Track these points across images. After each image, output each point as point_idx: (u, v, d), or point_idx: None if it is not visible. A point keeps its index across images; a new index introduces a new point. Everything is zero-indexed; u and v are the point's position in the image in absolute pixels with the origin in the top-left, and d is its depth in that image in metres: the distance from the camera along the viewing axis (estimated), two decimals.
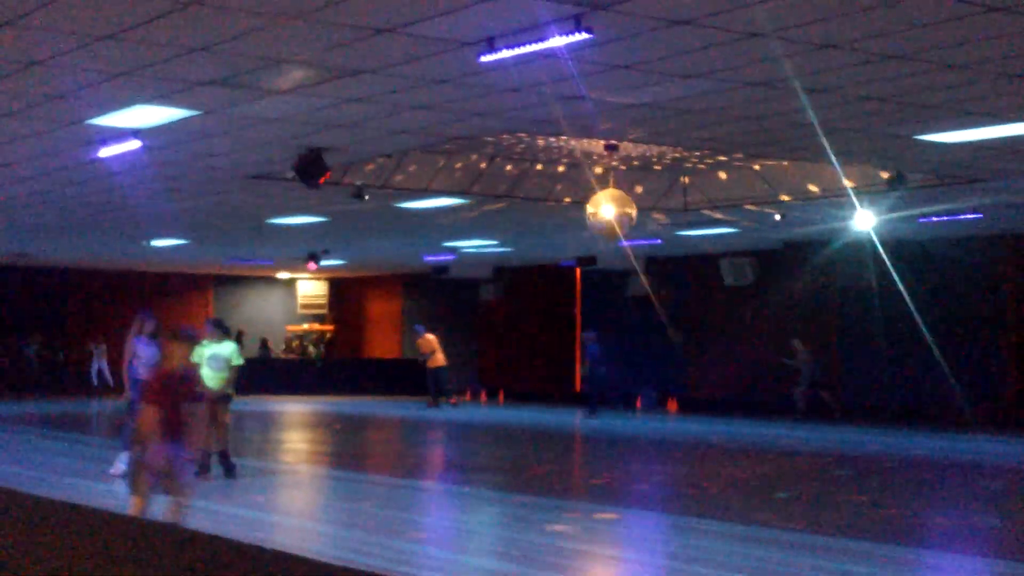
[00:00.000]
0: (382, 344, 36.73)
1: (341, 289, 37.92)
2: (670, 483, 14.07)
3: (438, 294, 33.76)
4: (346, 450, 18.36)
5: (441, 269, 30.16)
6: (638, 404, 27.48)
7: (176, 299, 35.52)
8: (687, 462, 16.58)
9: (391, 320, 36.44)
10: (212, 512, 10.58)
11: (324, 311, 38.14)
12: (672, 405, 26.78)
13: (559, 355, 30.82)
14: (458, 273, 30.71)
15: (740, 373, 26.24)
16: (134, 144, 12.22)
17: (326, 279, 37.51)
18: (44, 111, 10.98)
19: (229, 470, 12.99)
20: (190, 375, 8.29)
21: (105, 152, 12.73)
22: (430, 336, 26.89)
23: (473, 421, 23.91)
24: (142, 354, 12.77)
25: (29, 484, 12.25)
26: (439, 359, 26.54)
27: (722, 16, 7.80)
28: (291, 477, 14.36)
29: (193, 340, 8.22)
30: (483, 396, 31.02)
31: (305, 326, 37.25)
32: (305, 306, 37.97)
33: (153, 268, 33.36)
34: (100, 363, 31.31)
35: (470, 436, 20.95)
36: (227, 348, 13.04)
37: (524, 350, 31.44)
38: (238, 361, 13.08)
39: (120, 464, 12.69)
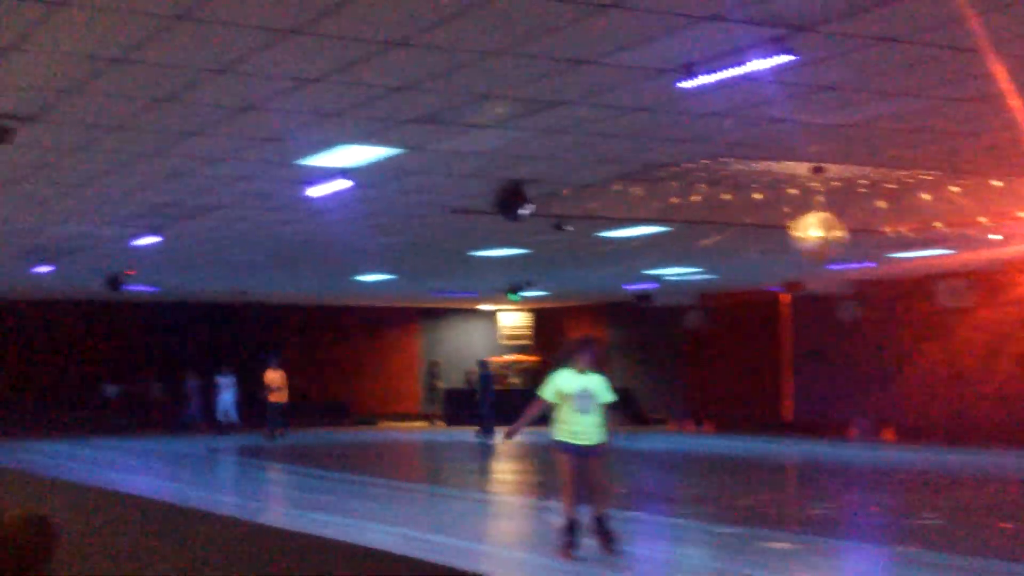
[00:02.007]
0: None
1: (543, 319, 38.16)
2: (888, 513, 13.58)
3: (641, 322, 33.62)
4: (552, 480, 18.35)
5: (643, 297, 30.03)
6: (851, 433, 26.70)
7: (382, 333, 36.42)
8: (905, 491, 15.98)
9: None
10: (426, 542, 10.71)
11: (527, 342, 38.43)
12: (888, 433, 25.91)
13: (767, 382, 30.24)
14: (661, 300, 30.52)
15: (958, 399, 25.21)
16: (342, 183, 12.57)
17: (528, 310, 37.81)
18: (257, 153, 11.41)
19: (608, 540, 9.88)
20: None
21: (314, 191, 13.13)
22: (280, 372, 26.91)
23: (679, 451, 23.65)
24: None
25: (252, 515, 12.67)
26: (284, 395, 26.77)
27: (931, 32, 7.53)
28: (499, 507, 14.43)
29: None
30: (689, 425, 30.69)
31: (508, 357, 37.59)
32: (508, 337, 38.34)
33: (360, 302, 34.24)
34: (228, 395, 28.58)
35: (677, 466, 20.72)
36: (598, 381, 9.84)
37: (730, 377, 30.97)
38: (611, 397, 9.89)
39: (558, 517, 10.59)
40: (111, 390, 32.73)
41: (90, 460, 21.03)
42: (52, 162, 11.76)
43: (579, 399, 9.68)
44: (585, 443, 9.70)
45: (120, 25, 7.24)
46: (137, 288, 26.24)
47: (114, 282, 22.80)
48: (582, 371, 9.76)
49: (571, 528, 9.76)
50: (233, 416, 28.29)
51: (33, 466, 18.49)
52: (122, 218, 15.70)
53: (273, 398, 26.60)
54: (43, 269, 21.80)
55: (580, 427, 9.69)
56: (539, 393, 9.94)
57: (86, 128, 10.21)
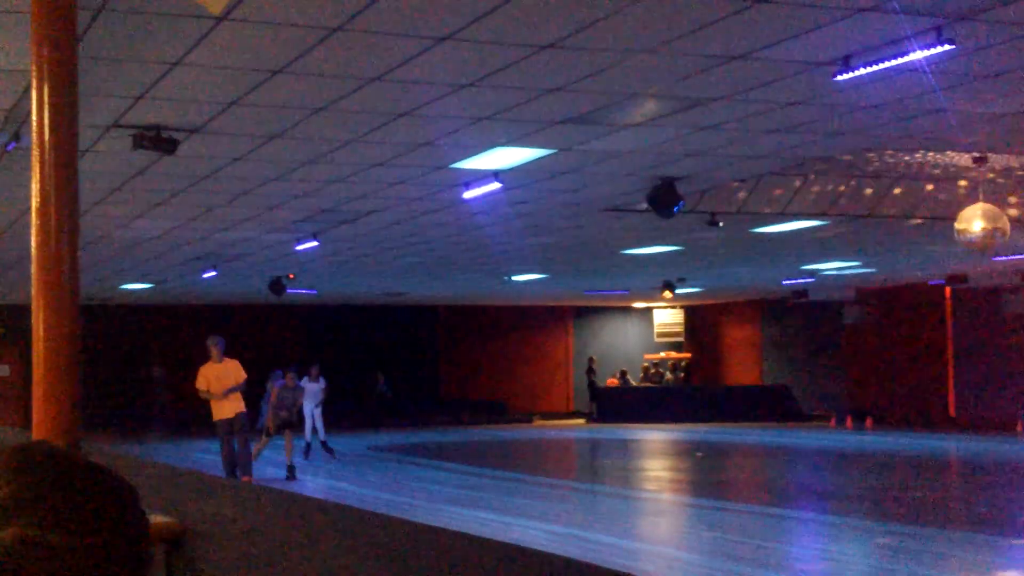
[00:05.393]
0: (740, 370, 36.39)
1: (697, 316, 37.89)
2: None
3: (797, 318, 33.11)
4: (707, 478, 18.25)
5: (800, 293, 29.57)
6: (1020, 428, 25.85)
7: (536, 332, 36.63)
8: None
9: (749, 346, 36.05)
10: (576, 538, 10.76)
11: (681, 339, 38.21)
12: None
13: (928, 378, 29.47)
14: (818, 296, 30.01)
15: None
16: (494, 185, 12.70)
17: (682, 307, 37.60)
18: (412, 158, 11.60)
19: None
20: None
21: (468, 194, 13.29)
22: (230, 363, 15.85)
23: (838, 447, 23.21)
24: None
25: (405, 512, 12.90)
26: (234, 407, 15.73)
27: None
28: (653, 505, 14.40)
29: None
30: (848, 421, 30.11)
31: (662, 354, 37.45)
32: (662, 334, 38.18)
33: (514, 302, 34.49)
34: (310, 402, 20.62)
35: (835, 463, 20.35)
36: None
37: (891, 373, 30.27)
38: None
39: None
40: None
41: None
42: (214, 172, 12.16)
43: None
44: None
45: (278, 38, 7.46)
46: (297, 292, 26.94)
47: (277, 286, 23.44)
48: None
49: None
50: (320, 431, 20.75)
51: (201, 465, 19.14)
52: (282, 224, 16.12)
53: (217, 413, 15.70)
54: (209, 274, 22.55)
55: None
56: None
57: (246, 138, 10.53)
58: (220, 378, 15.62)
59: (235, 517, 3.41)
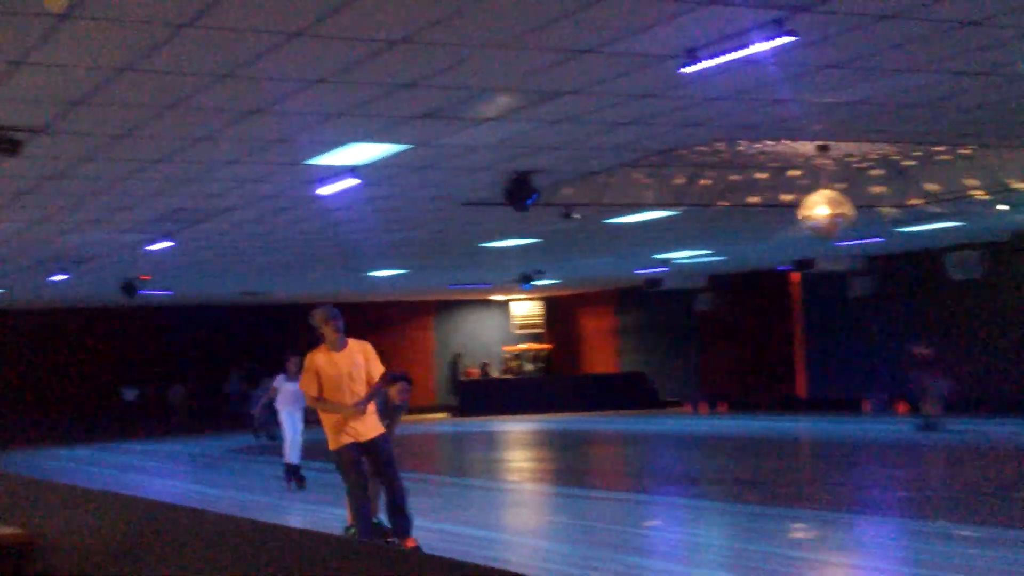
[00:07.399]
0: (598, 359, 36.88)
1: (556, 307, 38.26)
2: (906, 487, 13.63)
3: (652, 307, 33.69)
4: (569, 466, 18.46)
5: (654, 282, 30.06)
6: (867, 408, 26.73)
7: (398, 327, 36.53)
8: (923, 465, 16.02)
9: (606, 335, 36.54)
10: (441, 531, 10.79)
11: (540, 330, 38.55)
12: (902, 407, 25.91)
13: (779, 362, 30.28)
14: (672, 284, 30.55)
15: (971, 371, 25.17)
16: (351, 181, 12.63)
17: (540, 298, 37.92)
18: (266, 155, 11.48)
19: None
20: None
21: (324, 190, 13.20)
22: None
23: (695, 432, 23.69)
24: None
25: (276, 513, 12.76)
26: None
27: (933, 7, 7.55)
28: (516, 495, 14.51)
29: None
30: (703, 406, 30.76)
31: (522, 345, 37.73)
32: (521, 326, 38.47)
33: (374, 298, 34.33)
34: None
35: (693, 447, 20.77)
36: None
37: (742, 358, 31.02)
38: None
39: None
40: (129, 394, 32.90)
41: (112, 464, 21.15)
42: (61, 172, 11.85)
43: None
44: None
45: (124, 35, 7.30)
46: (152, 292, 26.38)
47: (129, 288, 22.92)
48: None
49: None
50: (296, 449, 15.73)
51: (54, 473, 18.63)
52: (134, 225, 15.78)
53: (344, 432, 9.13)
54: (59, 278, 21.93)
55: None
56: None
57: (94, 137, 10.29)
58: (346, 375, 9.32)
59: (89, 526, 3.35)
